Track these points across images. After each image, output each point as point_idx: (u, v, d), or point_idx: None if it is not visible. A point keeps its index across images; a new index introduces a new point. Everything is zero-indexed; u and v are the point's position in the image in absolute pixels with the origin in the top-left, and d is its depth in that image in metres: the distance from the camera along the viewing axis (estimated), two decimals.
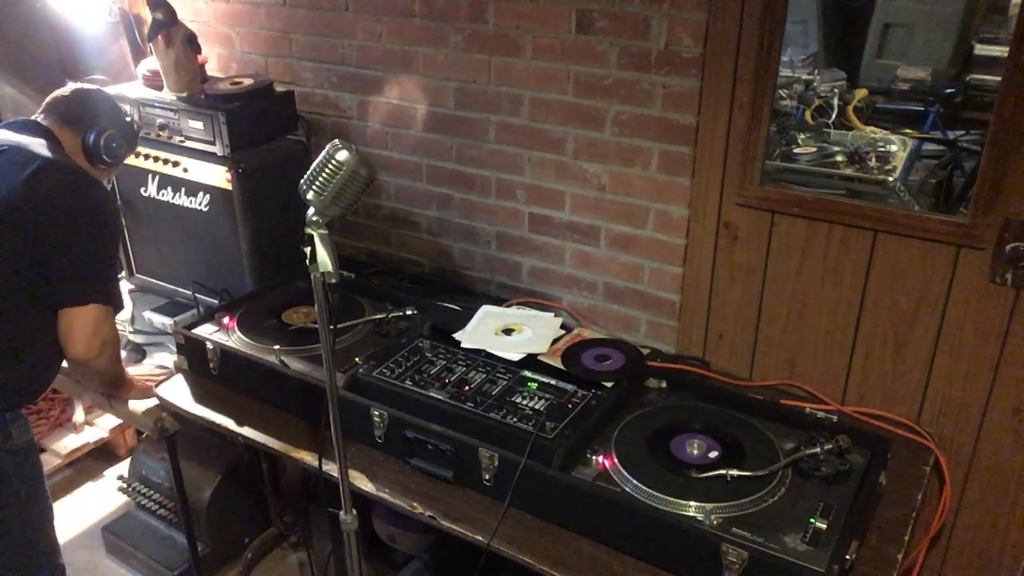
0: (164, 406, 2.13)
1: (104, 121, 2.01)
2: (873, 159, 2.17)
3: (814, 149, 2.23)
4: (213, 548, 2.62)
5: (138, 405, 2.17)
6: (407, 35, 2.43)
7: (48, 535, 1.95)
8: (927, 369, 1.94)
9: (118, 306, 1.93)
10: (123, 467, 2.95)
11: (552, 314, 2.24)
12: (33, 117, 1.98)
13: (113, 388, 2.13)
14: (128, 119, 2.11)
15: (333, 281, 1.45)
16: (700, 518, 1.55)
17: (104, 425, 3.11)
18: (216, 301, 2.42)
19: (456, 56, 2.36)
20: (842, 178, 2.14)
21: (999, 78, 1.69)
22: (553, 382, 1.93)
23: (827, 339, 2.05)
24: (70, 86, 2.05)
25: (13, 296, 1.77)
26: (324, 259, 1.44)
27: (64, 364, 1.94)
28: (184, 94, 2.44)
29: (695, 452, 1.73)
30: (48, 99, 2.02)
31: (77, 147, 1.97)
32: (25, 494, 1.85)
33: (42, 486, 1.92)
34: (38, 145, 1.86)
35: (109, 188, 2.59)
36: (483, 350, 2.04)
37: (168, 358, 2.34)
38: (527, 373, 1.96)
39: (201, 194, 2.44)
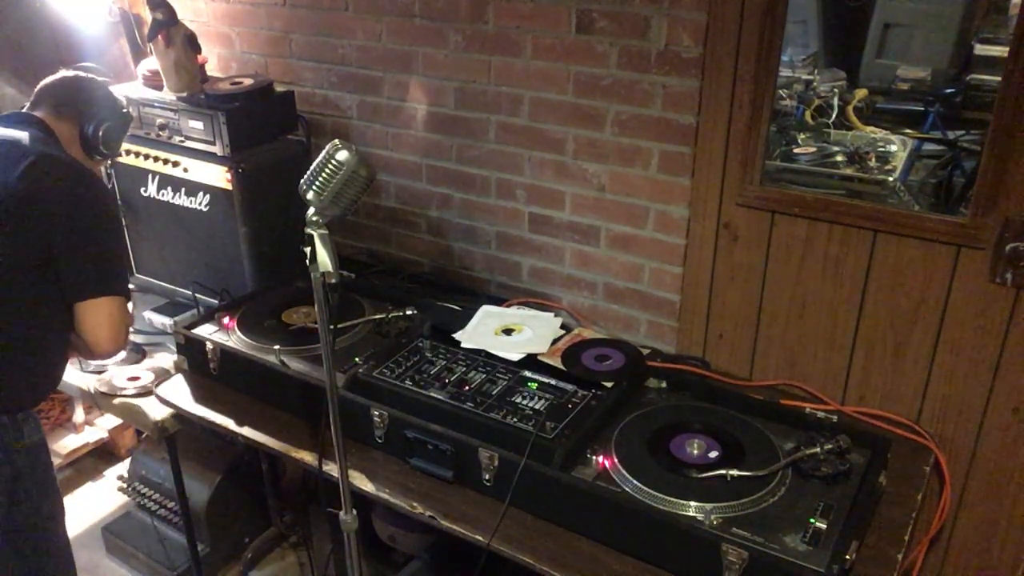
0: (164, 406, 2.14)
1: (101, 111, 1.97)
2: (873, 159, 2.17)
3: (814, 149, 2.23)
4: (213, 548, 2.62)
5: None
6: (407, 35, 2.43)
7: (59, 533, 1.95)
8: (927, 369, 1.95)
9: (129, 296, 1.92)
10: (123, 467, 2.95)
11: (552, 314, 2.24)
12: (25, 108, 1.94)
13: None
14: (124, 109, 2.09)
15: (333, 281, 1.45)
16: (700, 518, 1.55)
17: (104, 425, 3.11)
18: (216, 301, 2.42)
19: (456, 56, 2.36)
20: (842, 178, 2.14)
21: (999, 78, 1.69)
22: (553, 382, 1.93)
23: (827, 339, 2.05)
24: (61, 74, 2.00)
25: (19, 294, 1.75)
26: (324, 259, 1.44)
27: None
28: (184, 94, 2.44)
29: (695, 452, 1.73)
30: (39, 88, 1.97)
31: (74, 138, 1.94)
32: (37, 492, 1.85)
33: (53, 484, 1.92)
34: (32, 139, 1.82)
35: (109, 186, 2.60)
36: (483, 350, 2.04)
37: (168, 358, 2.34)
38: (527, 373, 1.96)
39: (201, 194, 2.44)
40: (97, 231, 1.82)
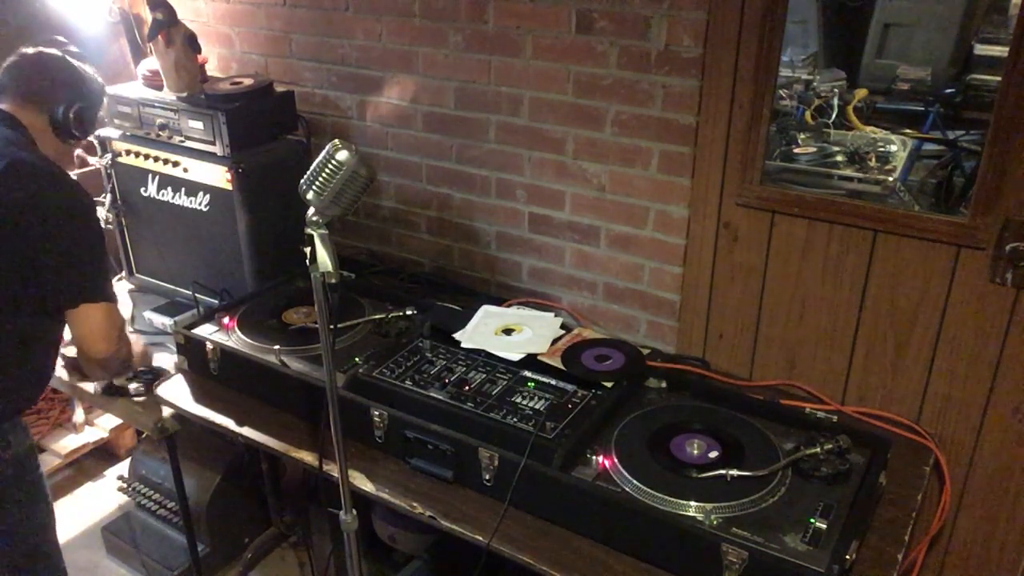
0: (164, 406, 2.14)
1: (68, 92, 1.82)
2: (873, 159, 2.17)
3: (814, 149, 2.23)
4: (213, 548, 2.62)
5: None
6: (407, 35, 2.43)
7: (49, 540, 1.94)
8: (927, 369, 1.95)
9: (114, 298, 1.86)
10: (123, 467, 2.95)
11: (552, 314, 2.24)
12: None
13: (124, 369, 2.07)
14: (94, 83, 1.91)
15: (333, 281, 1.45)
16: (700, 518, 1.55)
17: (104, 425, 3.11)
18: (216, 301, 2.42)
19: (456, 56, 2.36)
20: (842, 178, 2.14)
21: (999, 78, 1.69)
22: (553, 382, 1.93)
23: (827, 339, 2.05)
24: (20, 53, 1.83)
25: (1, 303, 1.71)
26: (324, 259, 1.44)
27: (60, 365, 1.92)
28: (184, 94, 2.44)
29: (695, 452, 1.73)
30: None
31: (44, 125, 1.81)
32: (25, 500, 1.83)
33: (43, 491, 1.90)
34: (1, 140, 1.72)
35: (109, 185, 2.60)
36: (483, 350, 2.04)
37: (168, 358, 2.34)
38: (527, 373, 1.96)
39: (201, 194, 2.44)
40: (75, 237, 1.74)
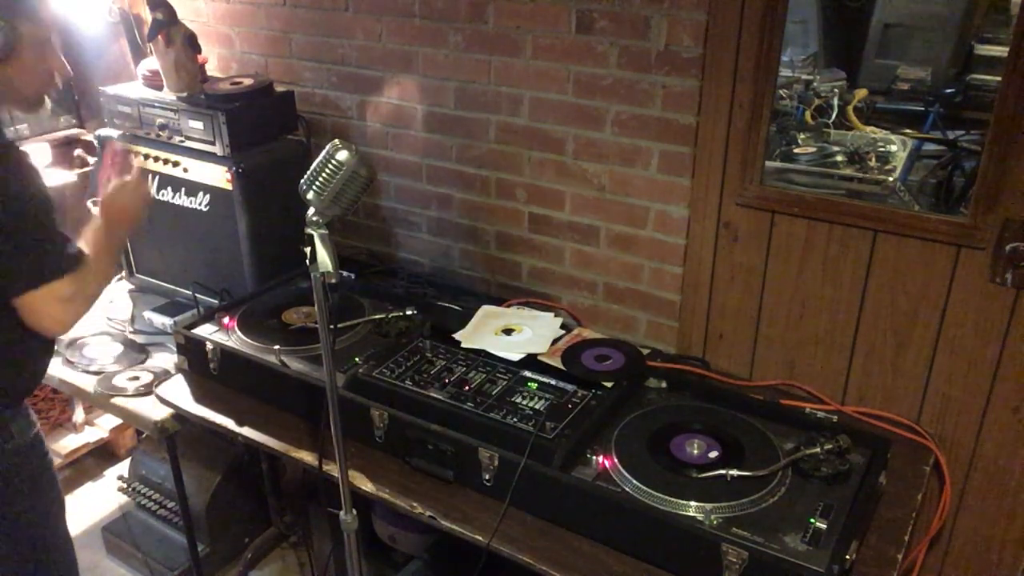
0: (164, 406, 2.14)
1: None
2: (873, 159, 2.17)
3: (814, 149, 2.23)
4: (213, 548, 2.62)
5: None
6: (407, 35, 2.43)
7: (58, 531, 1.93)
8: (927, 369, 1.95)
9: (70, 267, 1.66)
10: (123, 467, 2.95)
11: (552, 314, 2.24)
12: None
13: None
14: None
15: (333, 281, 1.45)
16: (700, 518, 1.55)
17: (104, 425, 3.11)
18: (216, 301, 2.42)
19: (456, 56, 2.36)
20: (842, 178, 2.14)
21: (999, 78, 1.69)
22: (553, 382, 1.93)
23: (827, 339, 2.05)
24: None
25: None
26: (324, 259, 1.44)
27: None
28: (184, 94, 2.44)
29: (695, 452, 1.73)
30: None
31: None
32: (30, 489, 1.83)
33: (50, 483, 1.88)
34: None
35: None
36: (483, 350, 2.04)
37: (168, 358, 2.34)
38: (527, 373, 1.96)
39: (201, 194, 2.44)
40: (7, 220, 1.58)
